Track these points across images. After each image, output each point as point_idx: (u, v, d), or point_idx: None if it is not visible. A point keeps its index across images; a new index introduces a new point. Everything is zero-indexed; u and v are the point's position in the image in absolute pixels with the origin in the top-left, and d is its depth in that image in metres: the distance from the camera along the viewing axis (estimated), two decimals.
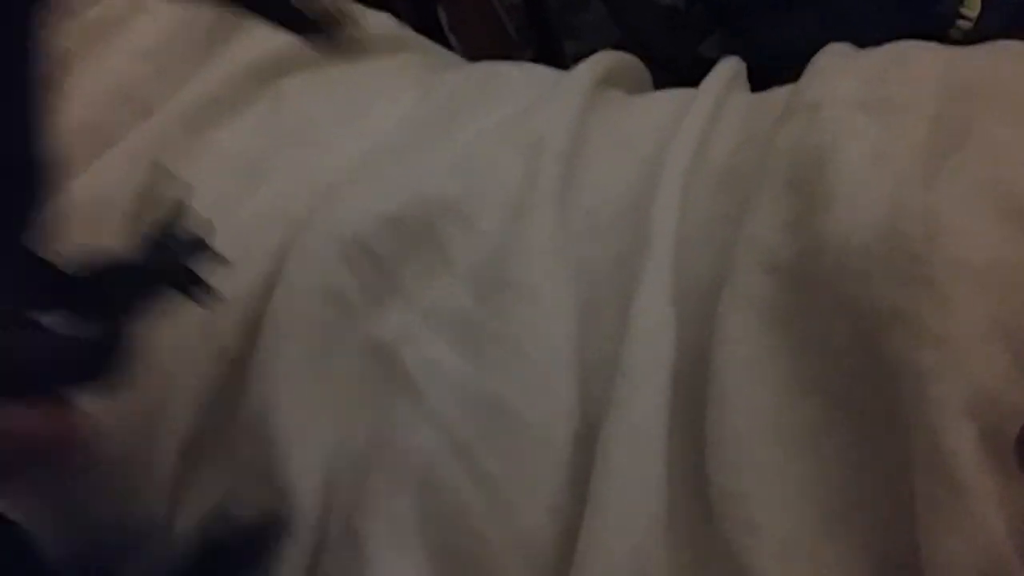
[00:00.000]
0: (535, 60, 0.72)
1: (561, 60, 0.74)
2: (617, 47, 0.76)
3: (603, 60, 0.52)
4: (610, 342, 0.38)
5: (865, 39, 0.52)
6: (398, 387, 0.40)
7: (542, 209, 0.42)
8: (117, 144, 0.49)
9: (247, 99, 0.52)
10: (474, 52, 0.71)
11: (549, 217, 0.42)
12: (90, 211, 0.47)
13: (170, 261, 0.34)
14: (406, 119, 0.49)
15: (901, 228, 0.33)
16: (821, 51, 0.46)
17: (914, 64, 0.40)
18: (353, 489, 0.38)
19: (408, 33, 0.61)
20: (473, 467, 0.37)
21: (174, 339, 0.40)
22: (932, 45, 0.42)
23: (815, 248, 0.35)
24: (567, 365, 0.38)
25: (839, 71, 0.41)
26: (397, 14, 0.65)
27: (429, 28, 0.69)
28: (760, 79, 0.56)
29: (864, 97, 0.39)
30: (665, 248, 0.40)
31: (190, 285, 0.34)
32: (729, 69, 0.51)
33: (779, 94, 0.47)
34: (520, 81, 0.52)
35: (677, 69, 0.78)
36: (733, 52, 0.72)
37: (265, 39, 0.55)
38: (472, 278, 0.41)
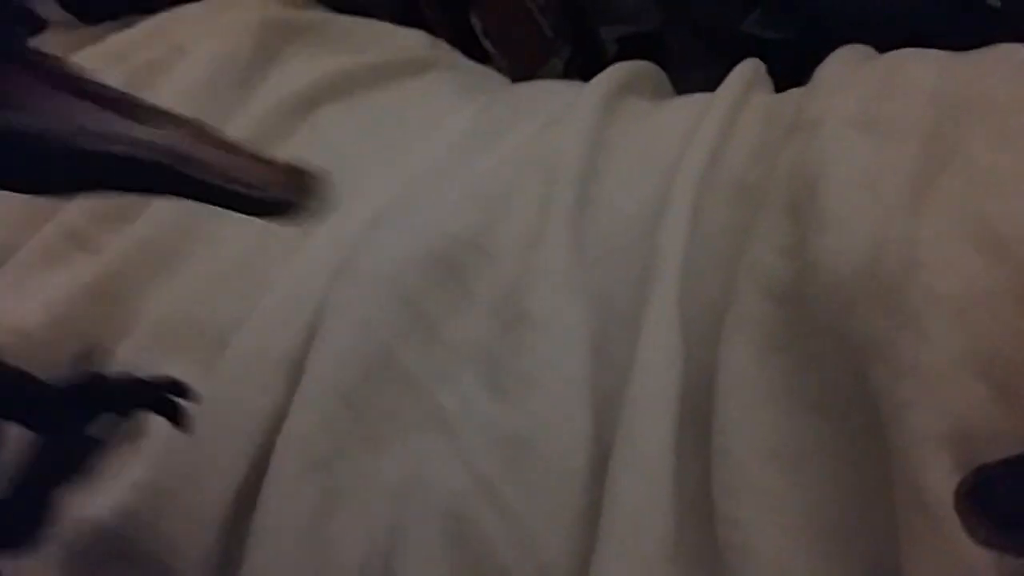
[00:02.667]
0: (573, 56, 0.73)
1: (601, 53, 0.74)
2: (659, 29, 0.77)
3: (618, 72, 0.52)
4: (621, 371, 0.39)
5: (908, 13, 0.51)
6: (433, 425, 0.42)
7: (556, 238, 0.43)
8: None
9: (286, 132, 0.54)
10: (511, 55, 0.72)
11: (563, 246, 0.43)
12: (145, 254, 0.51)
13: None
14: (430, 154, 0.50)
15: (882, 259, 0.34)
16: (830, 57, 0.46)
17: (909, 77, 0.40)
18: (389, 520, 0.40)
19: (439, 51, 0.62)
20: (496, 501, 0.39)
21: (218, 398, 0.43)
22: (929, 54, 0.41)
23: (808, 273, 0.36)
24: (582, 396, 0.40)
25: (840, 85, 0.42)
26: (430, 27, 0.67)
27: (464, 37, 0.70)
28: (802, 54, 0.56)
29: (860, 115, 0.39)
30: (672, 272, 0.41)
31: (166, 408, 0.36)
32: (746, 72, 0.51)
33: (795, 97, 0.47)
34: (537, 101, 0.53)
35: (719, 45, 0.78)
36: (776, 26, 0.72)
37: (299, 72, 0.57)
38: (494, 312, 0.43)
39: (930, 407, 0.31)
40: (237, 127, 0.54)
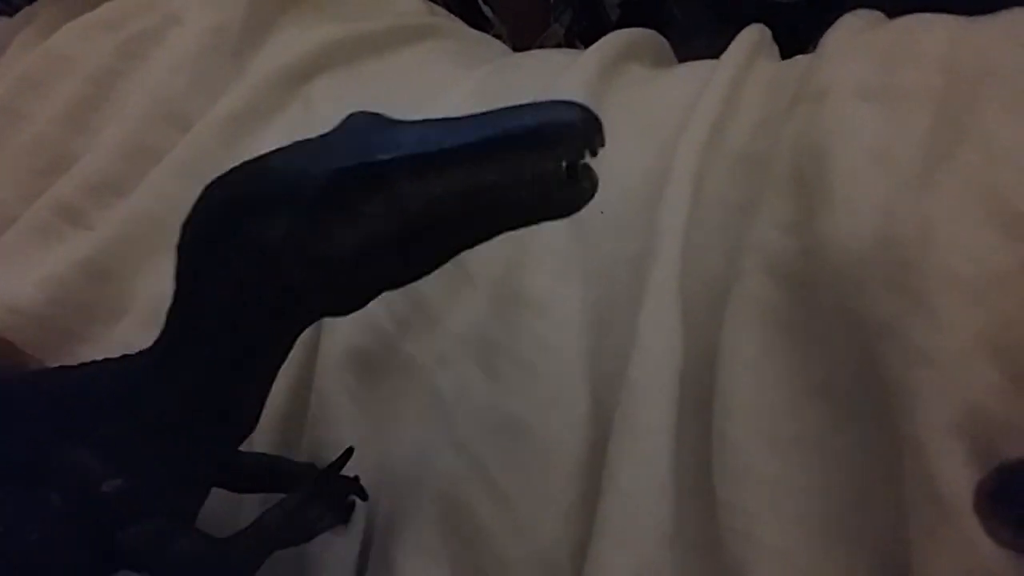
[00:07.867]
0: (574, 22, 0.71)
1: (602, 18, 0.73)
2: None
3: (615, 39, 0.50)
4: (621, 352, 0.38)
5: None
6: (432, 410, 0.41)
7: None
8: (162, 160, 0.52)
9: (279, 105, 0.53)
10: (511, 21, 0.71)
11: (560, 223, 0.42)
12: (139, 230, 0.50)
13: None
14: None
15: (893, 237, 0.33)
16: (837, 23, 0.44)
17: (919, 45, 0.38)
18: (389, 509, 0.40)
19: (437, 18, 0.61)
20: (491, 488, 0.38)
21: None
22: (939, 19, 0.40)
23: (815, 251, 0.35)
24: (579, 379, 0.39)
25: (848, 52, 0.40)
26: None
27: (464, 2, 0.68)
28: (810, 19, 0.55)
29: (870, 84, 0.38)
30: (672, 250, 0.39)
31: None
32: (752, 38, 0.49)
33: (801, 65, 0.46)
34: (535, 72, 0.51)
35: (724, 9, 0.76)
36: None
37: (293, 43, 0.56)
38: (491, 294, 0.42)
39: (943, 394, 0.30)
40: (230, 99, 0.53)
